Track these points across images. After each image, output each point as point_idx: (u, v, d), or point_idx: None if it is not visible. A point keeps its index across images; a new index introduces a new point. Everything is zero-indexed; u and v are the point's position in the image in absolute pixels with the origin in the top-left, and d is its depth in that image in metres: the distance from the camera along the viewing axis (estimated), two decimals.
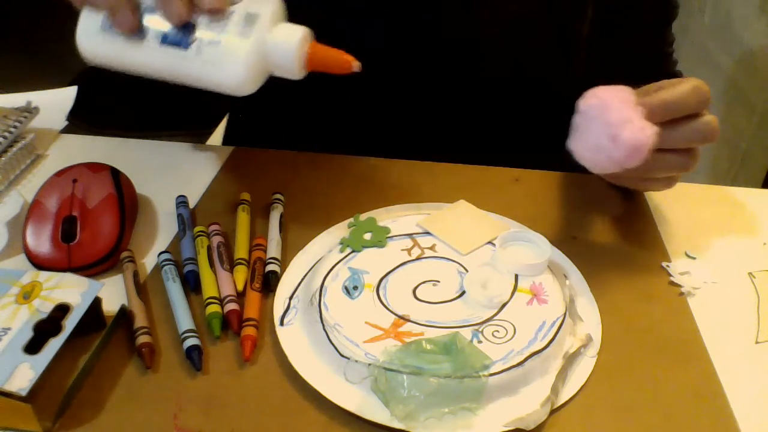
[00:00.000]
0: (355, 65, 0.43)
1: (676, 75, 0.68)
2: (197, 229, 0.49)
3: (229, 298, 0.43)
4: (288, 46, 0.41)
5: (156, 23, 0.41)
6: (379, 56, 0.61)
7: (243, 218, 0.51)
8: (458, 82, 0.63)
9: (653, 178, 0.48)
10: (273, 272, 0.46)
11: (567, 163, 0.60)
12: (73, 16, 0.43)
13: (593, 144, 0.43)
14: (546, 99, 0.65)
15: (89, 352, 0.38)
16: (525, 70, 0.63)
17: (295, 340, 0.41)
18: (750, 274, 0.49)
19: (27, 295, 0.39)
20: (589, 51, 0.64)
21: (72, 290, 0.40)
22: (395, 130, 0.65)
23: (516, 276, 0.45)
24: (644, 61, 0.66)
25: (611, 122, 0.42)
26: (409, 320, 0.41)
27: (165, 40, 0.41)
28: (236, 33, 0.40)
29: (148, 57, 0.41)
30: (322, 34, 0.60)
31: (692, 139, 0.45)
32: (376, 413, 0.36)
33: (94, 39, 0.42)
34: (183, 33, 0.40)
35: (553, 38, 0.62)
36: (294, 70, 0.42)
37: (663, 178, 0.48)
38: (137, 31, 0.41)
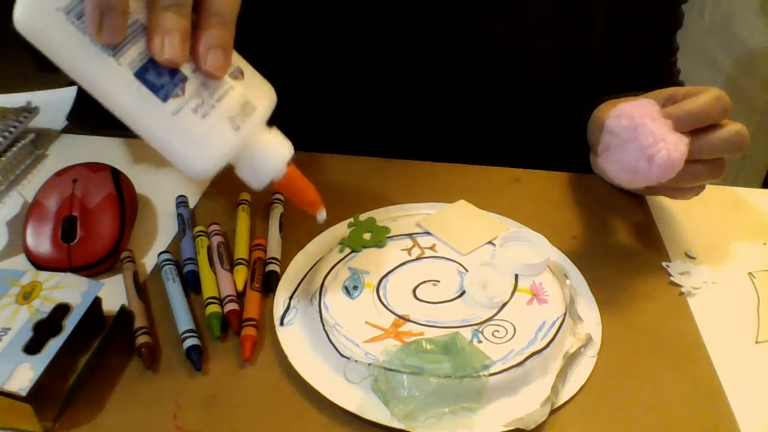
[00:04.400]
0: (320, 212, 0.40)
1: (680, 83, 0.68)
2: (197, 229, 0.49)
3: (229, 298, 0.43)
4: (272, 164, 0.36)
5: (138, 48, 0.32)
6: (381, 57, 0.61)
7: (243, 218, 0.51)
8: (464, 84, 0.63)
9: (682, 188, 0.49)
10: (273, 272, 0.46)
11: (567, 163, 0.61)
12: None
13: (629, 166, 0.44)
14: (553, 100, 0.65)
15: (89, 352, 0.38)
16: (533, 73, 0.63)
17: (295, 340, 0.41)
18: (750, 274, 0.49)
19: (27, 295, 0.39)
20: (598, 56, 0.64)
21: (72, 290, 0.40)
22: (395, 130, 0.65)
23: (516, 276, 0.45)
24: (649, 68, 0.66)
25: (647, 144, 0.42)
26: (409, 320, 0.41)
27: (142, 75, 0.32)
28: (227, 117, 0.33)
29: (108, 80, 0.32)
30: (325, 31, 0.60)
31: (724, 149, 0.45)
32: (376, 413, 0.36)
33: (46, 16, 0.30)
34: (168, 79, 0.32)
35: (565, 42, 0.61)
36: (259, 185, 0.37)
37: (693, 187, 0.48)
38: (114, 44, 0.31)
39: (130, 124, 0.33)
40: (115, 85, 0.32)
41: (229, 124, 0.34)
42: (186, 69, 0.32)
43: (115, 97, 0.32)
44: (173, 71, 0.32)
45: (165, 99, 0.32)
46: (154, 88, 0.32)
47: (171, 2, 0.31)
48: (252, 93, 0.35)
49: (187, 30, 0.32)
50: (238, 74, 0.35)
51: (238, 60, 0.35)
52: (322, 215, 0.41)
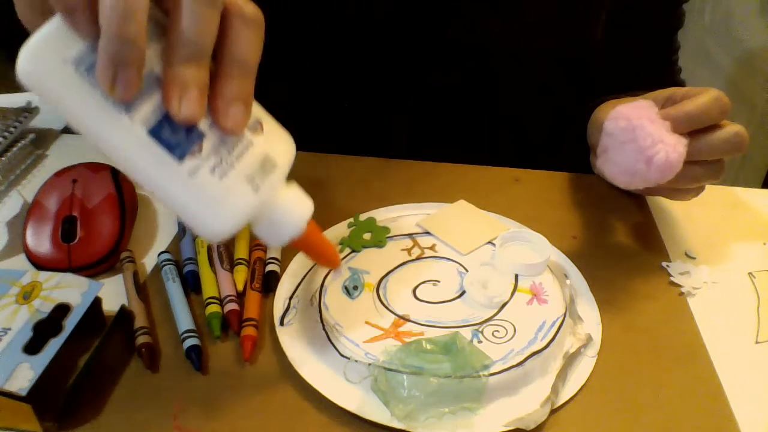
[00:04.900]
0: (338, 269, 0.39)
1: (681, 82, 0.68)
2: None
3: (229, 298, 0.43)
4: (292, 224, 0.34)
5: (152, 103, 0.29)
6: (381, 57, 0.61)
7: None
8: (464, 84, 0.63)
9: (682, 189, 0.49)
10: (273, 272, 0.46)
11: (567, 163, 0.61)
12: None
13: (627, 168, 0.44)
14: (554, 101, 0.65)
15: (89, 352, 0.38)
16: (533, 73, 0.63)
17: (295, 340, 0.41)
18: (750, 274, 0.49)
19: (27, 295, 0.39)
20: (599, 55, 0.64)
21: (72, 290, 0.40)
22: (395, 130, 0.65)
23: (516, 276, 0.45)
24: (650, 67, 0.66)
25: (644, 146, 0.42)
26: (409, 320, 0.41)
27: (156, 132, 0.29)
28: (246, 177, 0.31)
29: (120, 139, 0.29)
30: (325, 31, 0.60)
31: (723, 150, 0.44)
32: (376, 413, 0.36)
33: (53, 68, 0.28)
34: (184, 136, 0.29)
35: (567, 42, 0.62)
36: (277, 244, 0.35)
37: (692, 188, 0.48)
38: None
39: (141, 183, 0.30)
40: (127, 143, 0.29)
41: (248, 185, 0.31)
42: (203, 124, 0.30)
43: (127, 156, 0.29)
44: (189, 128, 0.30)
45: (181, 158, 0.29)
46: (169, 147, 0.29)
47: (189, 53, 0.28)
48: (272, 147, 0.33)
49: (205, 83, 0.29)
50: (258, 126, 0.32)
51: (256, 110, 0.33)
52: (339, 271, 0.40)
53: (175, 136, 0.29)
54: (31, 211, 0.48)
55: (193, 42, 0.28)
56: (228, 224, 0.31)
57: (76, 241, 0.46)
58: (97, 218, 0.48)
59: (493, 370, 0.37)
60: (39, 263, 0.46)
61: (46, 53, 0.27)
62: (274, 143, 0.33)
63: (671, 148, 0.42)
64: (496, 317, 0.42)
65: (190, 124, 0.29)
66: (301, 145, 0.60)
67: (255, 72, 0.31)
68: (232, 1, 0.30)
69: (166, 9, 0.30)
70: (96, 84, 0.28)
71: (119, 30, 0.26)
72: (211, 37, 0.29)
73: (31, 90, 0.28)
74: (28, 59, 0.27)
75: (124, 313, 0.42)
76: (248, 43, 0.30)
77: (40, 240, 0.46)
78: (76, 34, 0.27)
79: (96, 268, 0.46)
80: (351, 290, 0.43)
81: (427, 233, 0.49)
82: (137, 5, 0.27)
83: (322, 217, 0.51)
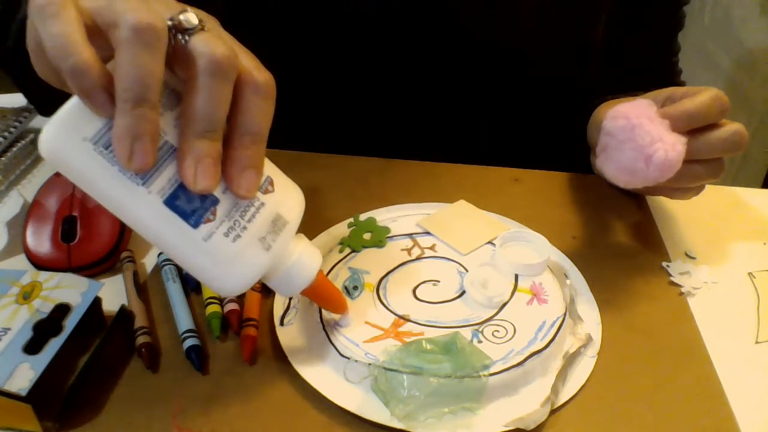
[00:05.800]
0: (345, 316, 0.41)
1: (681, 84, 0.68)
2: None
3: (228, 298, 0.43)
4: (303, 276, 0.36)
5: (167, 174, 0.31)
6: (381, 57, 0.61)
7: None
8: (464, 83, 0.63)
9: (682, 188, 0.49)
10: None
11: (567, 163, 0.61)
12: None
13: (627, 167, 0.44)
14: (554, 101, 0.65)
15: (89, 352, 0.38)
16: (534, 74, 0.63)
17: (295, 340, 0.41)
18: (750, 274, 0.49)
19: (27, 295, 0.39)
20: (599, 56, 0.64)
21: (72, 290, 0.40)
22: (396, 130, 0.65)
23: (516, 276, 0.45)
24: (651, 69, 0.66)
25: (644, 145, 0.42)
26: (409, 320, 0.41)
27: (172, 202, 0.31)
28: (258, 238, 0.33)
29: (137, 209, 0.30)
30: (326, 31, 0.60)
31: (723, 149, 0.44)
32: (376, 413, 0.36)
33: (72, 146, 0.29)
34: (199, 204, 0.31)
35: (567, 42, 0.62)
36: (288, 295, 0.37)
37: (692, 187, 0.48)
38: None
39: (158, 247, 0.32)
40: (145, 213, 0.31)
41: (260, 245, 0.33)
42: (216, 190, 0.32)
43: (144, 224, 0.31)
44: (204, 196, 0.31)
45: (196, 225, 0.31)
46: (184, 215, 0.31)
47: (204, 128, 0.30)
48: (282, 204, 0.34)
49: (219, 153, 0.31)
50: (269, 186, 0.34)
51: (267, 166, 0.34)
52: (346, 319, 0.41)
53: (190, 204, 0.31)
54: (31, 211, 0.48)
55: (207, 118, 0.30)
56: (241, 283, 0.33)
57: (76, 241, 0.46)
58: (97, 218, 0.48)
59: (493, 370, 0.37)
60: (39, 263, 0.46)
61: (66, 133, 0.29)
62: (284, 199, 0.35)
63: (670, 147, 0.42)
64: (496, 317, 0.42)
65: (205, 194, 0.31)
66: (301, 145, 0.61)
67: (266, 138, 0.32)
68: (245, 70, 0.31)
69: (176, 70, 0.31)
70: (113, 159, 0.29)
71: (134, 107, 0.28)
72: (224, 112, 0.30)
73: (53, 167, 0.29)
74: (49, 139, 0.29)
75: (124, 313, 0.42)
76: (260, 113, 0.31)
77: (40, 240, 0.46)
78: (94, 113, 0.29)
79: (96, 268, 0.46)
80: (351, 290, 0.43)
81: (427, 233, 0.49)
82: (151, 85, 0.28)
83: (323, 217, 0.51)
